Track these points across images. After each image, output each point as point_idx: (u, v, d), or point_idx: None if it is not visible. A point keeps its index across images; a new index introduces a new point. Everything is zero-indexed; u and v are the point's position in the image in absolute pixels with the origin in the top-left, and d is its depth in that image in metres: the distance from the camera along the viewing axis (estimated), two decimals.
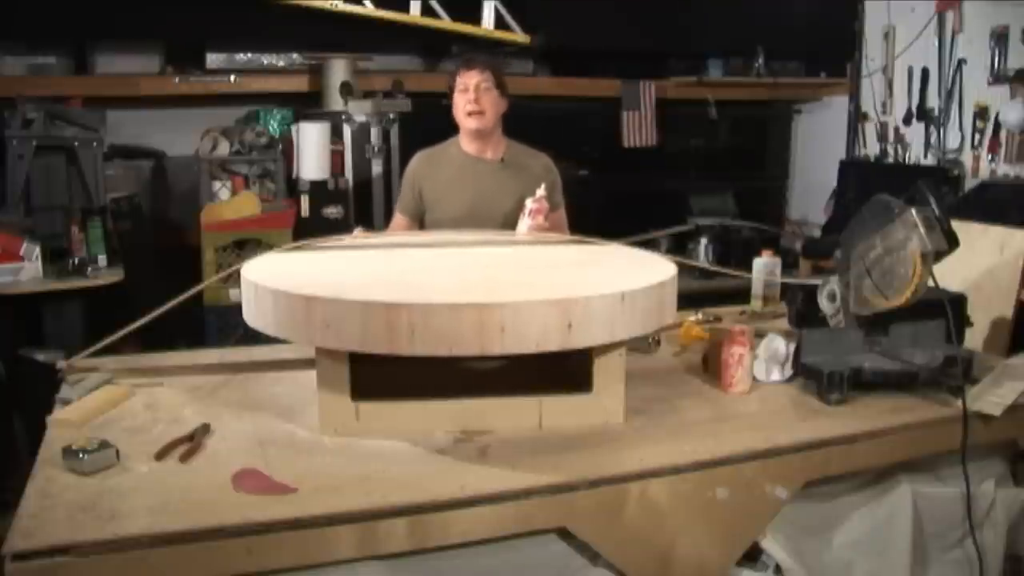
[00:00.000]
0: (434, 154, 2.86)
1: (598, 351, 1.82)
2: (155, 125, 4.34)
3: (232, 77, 4.20)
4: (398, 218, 2.90)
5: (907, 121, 4.87)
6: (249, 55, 4.24)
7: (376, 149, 4.05)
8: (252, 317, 1.83)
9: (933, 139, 4.72)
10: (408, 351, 1.62)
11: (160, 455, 1.61)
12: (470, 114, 2.70)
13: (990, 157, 4.42)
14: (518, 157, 2.81)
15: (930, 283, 1.90)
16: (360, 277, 1.92)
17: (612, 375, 1.86)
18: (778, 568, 1.85)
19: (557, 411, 1.84)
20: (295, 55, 4.30)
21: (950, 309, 2.01)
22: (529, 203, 2.53)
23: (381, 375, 1.79)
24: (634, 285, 1.77)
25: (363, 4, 3.93)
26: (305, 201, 3.93)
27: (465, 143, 2.80)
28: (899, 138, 4.93)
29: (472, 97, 2.68)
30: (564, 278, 1.96)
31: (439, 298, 1.64)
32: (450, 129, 4.68)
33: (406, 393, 1.82)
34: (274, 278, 1.80)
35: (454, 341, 1.61)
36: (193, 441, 1.68)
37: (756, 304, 2.78)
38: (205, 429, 1.76)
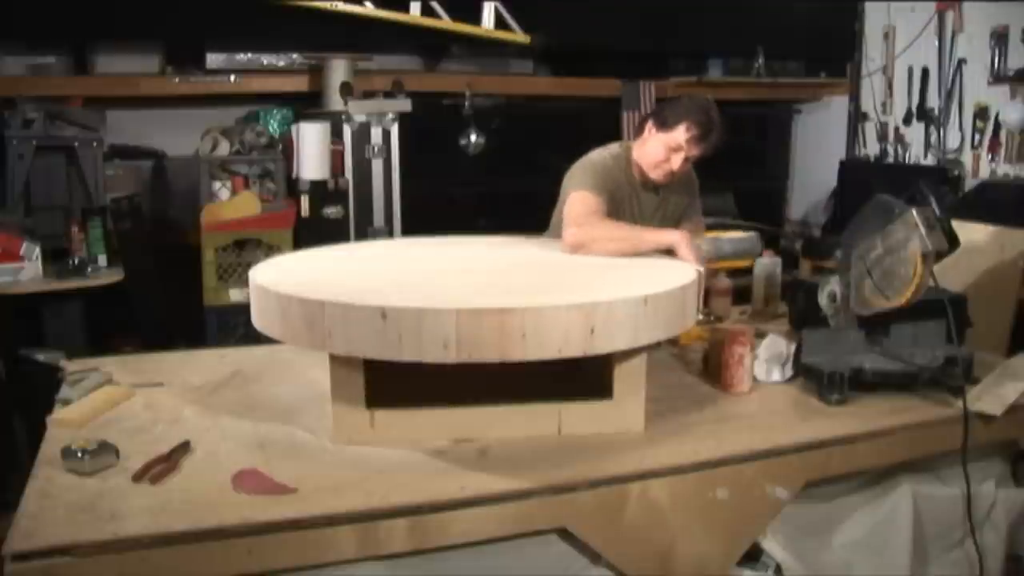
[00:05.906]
0: (617, 161, 2.57)
1: (619, 357, 1.78)
2: (155, 125, 4.33)
3: (232, 77, 4.20)
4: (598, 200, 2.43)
5: (907, 121, 4.87)
6: (249, 55, 4.23)
7: (376, 149, 4.05)
8: (262, 323, 1.78)
9: (933, 139, 4.72)
10: (427, 358, 1.57)
11: (137, 477, 1.56)
12: (663, 174, 2.49)
13: (990, 157, 4.42)
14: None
15: (930, 283, 1.90)
16: (374, 282, 1.85)
17: (633, 382, 1.82)
18: (778, 568, 1.85)
19: (576, 419, 1.81)
20: (295, 55, 4.29)
21: (950, 309, 2.01)
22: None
23: (381, 383, 1.76)
24: (656, 288, 1.73)
25: (363, 4, 3.93)
26: (305, 201, 3.93)
27: (635, 168, 2.57)
28: (899, 138, 4.93)
29: (675, 165, 2.45)
30: (582, 281, 1.92)
31: (459, 303, 1.59)
32: (449, 129, 4.67)
33: (404, 401, 1.78)
34: (290, 283, 1.75)
35: (474, 347, 1.57)
36: (169, 461, 1.62)
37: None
38: (184, 448, 1.69)
